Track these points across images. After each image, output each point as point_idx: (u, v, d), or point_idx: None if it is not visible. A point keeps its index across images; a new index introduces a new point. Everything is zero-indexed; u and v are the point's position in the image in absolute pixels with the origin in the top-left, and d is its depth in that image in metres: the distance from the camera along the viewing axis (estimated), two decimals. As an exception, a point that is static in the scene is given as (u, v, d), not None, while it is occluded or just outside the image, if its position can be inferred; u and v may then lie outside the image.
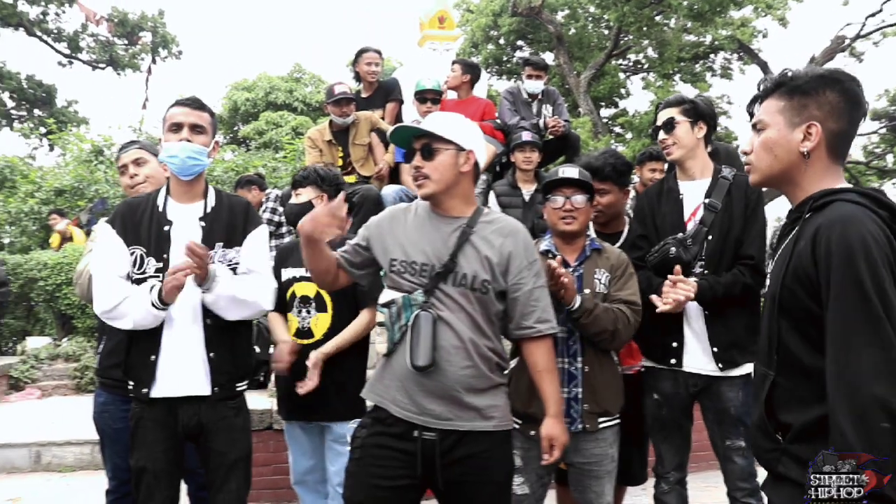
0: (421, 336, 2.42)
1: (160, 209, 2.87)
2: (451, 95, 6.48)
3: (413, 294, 2.47)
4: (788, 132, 1.87)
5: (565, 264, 3.08)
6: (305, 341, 3.43)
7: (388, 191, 5.63)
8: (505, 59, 21.83)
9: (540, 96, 6.31)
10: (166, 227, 2.83)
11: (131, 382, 2.83)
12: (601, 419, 3.04)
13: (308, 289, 3.48)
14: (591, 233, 3.35)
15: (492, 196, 5.60)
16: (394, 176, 5.91)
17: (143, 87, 22.15)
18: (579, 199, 3.07)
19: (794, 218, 1.90)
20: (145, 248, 2.81)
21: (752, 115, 2.02)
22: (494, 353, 2.54)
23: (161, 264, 2.79)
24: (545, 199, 3.16)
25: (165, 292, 2.66)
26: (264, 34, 67.80)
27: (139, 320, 2.74)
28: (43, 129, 19.20)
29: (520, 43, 21.84)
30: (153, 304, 2.69)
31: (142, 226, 2.84)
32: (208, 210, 2.91)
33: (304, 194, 3.61)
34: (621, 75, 22.11)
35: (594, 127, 17.45)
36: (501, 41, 21.63)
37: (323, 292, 3.44)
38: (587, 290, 3.02)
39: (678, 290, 2.96)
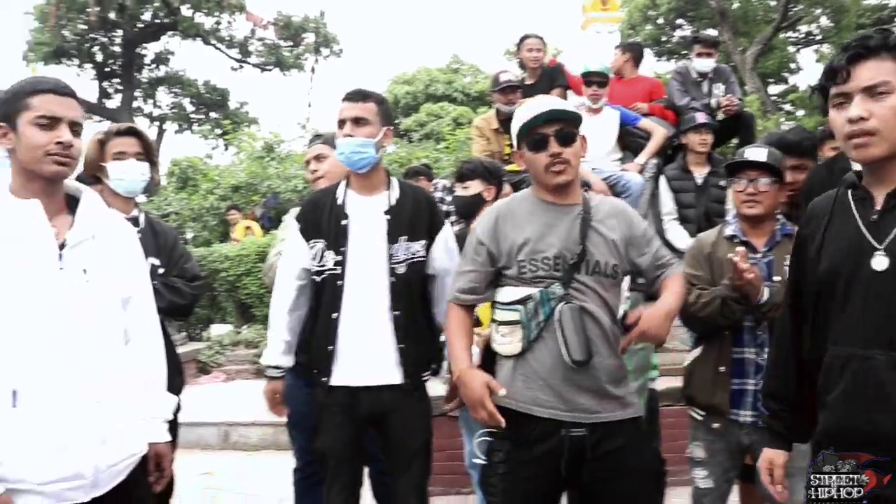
0: (572, 329, 2.33)
1: (339, 202, 2.92)
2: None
3: (550, 287, 2.38)
4: None
5: (752, 250, 2.93)
6: (475, 329, 3.45)
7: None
8: (664, 39, 21.10)
9: (710, 75, 6.03)
10: (343, 221, 2.88)
11: (315, 370, 2.94)
12: (793, 414, 2.86)
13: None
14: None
15: (662, 180, 5.41)
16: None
17: (307, 85, 23.10)
18: (764, 181, 2.90)
19: None
20: (325, 241, 2.88)
21: (836, 72, 1.79)
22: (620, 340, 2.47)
23: (340, 257, 2.84)
24: (730, 182, 3.02)
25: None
26: (421, 27, 69.22)
27: None
28: (219, 130, 20.47)
29: (679, 21, 21.05)
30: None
31: (322, 219, 2.91)
32: (393, 203, 2.92)
33: (472, 187, 3.66)
34: (791, 49, 20.84)
35: (762, 105, 16.51)
36: (660, 21, 20.93)
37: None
38: (777, 278, 2.84)
39: None
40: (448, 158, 10.87)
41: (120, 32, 21.66)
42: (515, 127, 2.50)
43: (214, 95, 23.80)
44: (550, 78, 6.16)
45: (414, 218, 2.92)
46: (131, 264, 2.24)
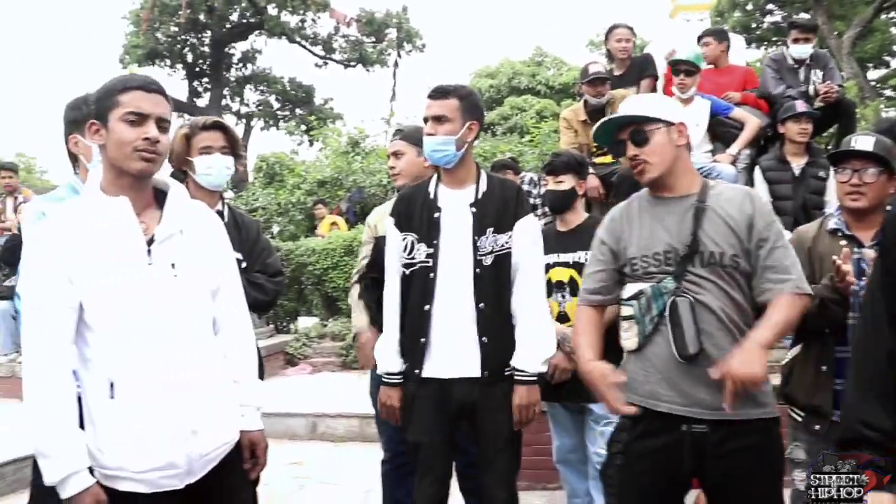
0: (682, 323, 2.30)
1: (431, 196, 2.95)
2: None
3: (662, 282, 2.35)
4: None
5: (858, 244, 2.79)
6: (564, 325, 3.43)
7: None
8: (754, 25, 20.40)
9: (808, 61, 5.78)
10: (436, 214, 2.90)
11: (406, 362, 2.94)
12: (901, 417, 2.72)
13: (562, 274, 3.52)
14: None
15: (757, 171, 5.21)
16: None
17: (390, 81, 23.29)
18: (870, 172, 2.76)
19: None
20: (417, 234, 2.90)
21: None
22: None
23: (431, 250, 2.86)
24: (836, 172, 2.89)
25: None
26: (504, 20, 69.00)
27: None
28: (304, 127, 20.86)
29: (770, 7, 20.31)
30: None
31: (415, 213, 2.94)
32: (479, 196, 2.92)
33: (566, 181, 3.62)
34: (893, 30, 19.83)
35: (860, 91, 15.78)
36: (749, 6, 20.24)
37: (576, 276, 3.44)
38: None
39: None
40: (532, 152, 10.76)
41: (209, 33, 22.35)
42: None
43: (300, 92, 24.30)
44: (639, 68, 6.04)
45: (501, 210, 2.91)
46: (219, 256, 2.28)
